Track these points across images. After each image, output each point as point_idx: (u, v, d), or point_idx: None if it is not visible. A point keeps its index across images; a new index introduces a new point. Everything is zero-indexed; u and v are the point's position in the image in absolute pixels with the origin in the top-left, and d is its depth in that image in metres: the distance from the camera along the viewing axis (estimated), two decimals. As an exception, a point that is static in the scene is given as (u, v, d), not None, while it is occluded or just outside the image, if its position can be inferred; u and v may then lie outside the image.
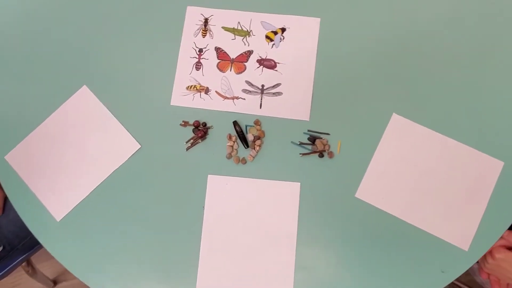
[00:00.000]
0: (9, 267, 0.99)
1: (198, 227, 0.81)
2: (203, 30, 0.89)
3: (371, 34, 0.88)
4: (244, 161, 0.83)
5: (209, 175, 0.83)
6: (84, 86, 0.87)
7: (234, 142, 0.84)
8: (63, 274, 1.47)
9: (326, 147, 0.83)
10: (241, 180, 0.82)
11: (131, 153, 0.84)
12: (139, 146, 0.84)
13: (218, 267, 0.79)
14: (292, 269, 0.78)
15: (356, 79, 0.86)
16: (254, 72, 0.87)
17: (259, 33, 0.89)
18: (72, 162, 0.84)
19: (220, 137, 0.84)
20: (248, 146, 0.83)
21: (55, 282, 1.46)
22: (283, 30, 0.88)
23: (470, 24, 0.87)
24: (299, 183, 0.81)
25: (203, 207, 0.81)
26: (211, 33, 0.89)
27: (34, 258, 1.14)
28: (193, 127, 0.84)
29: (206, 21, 0.90)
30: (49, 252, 0.80)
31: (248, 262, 0.80)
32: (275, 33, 0.88)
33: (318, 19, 0.88)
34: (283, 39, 0.88)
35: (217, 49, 0.89)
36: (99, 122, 0.86)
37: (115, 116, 0.86)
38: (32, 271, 1.18)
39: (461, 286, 1.21)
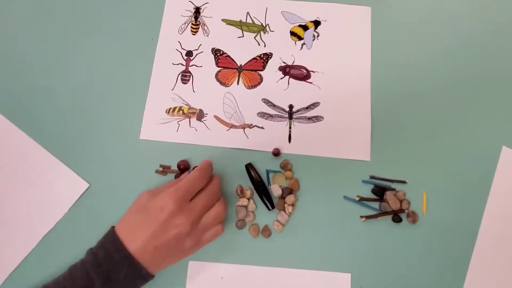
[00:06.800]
0: None
1: None
2: (193, 24, 0.58)
3: (448, 29, 0.58)
4: (267, 232, 0.48)
5: (190, 262, 0.47)
6: None
7: (249, 199, 0.49)
8: None
9: (404, 205, 0.49)
10: (252, 268, 0.47)
11: (78, 195, 0.49)
12: (88, 185, 0.49)
13: None
14: None
15: (437, 96, 0.55)
16: (275, 86, 0.55)
17: (280, 28, 0.58)
18: (5, 215, 0.50)
19: (225, 192, 0.50)
20: (273, 207, 0.49)
21: None
22: (316, 23, 0.58)
23: None
24: (350, 274, 0.47)
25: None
26: (206, 28, 0.58)
27: None
28: (177, 173, 0.50)
29: (197, 10, 0.58)
30: None
31: None
32: (305, 28, 0.58)
33: (369, 8, 0.59)
34: (318, 36, 0.57)
35: (216, 52, 0.57)
36: (31, 161, 0.52)
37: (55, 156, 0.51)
38: None
39: None
